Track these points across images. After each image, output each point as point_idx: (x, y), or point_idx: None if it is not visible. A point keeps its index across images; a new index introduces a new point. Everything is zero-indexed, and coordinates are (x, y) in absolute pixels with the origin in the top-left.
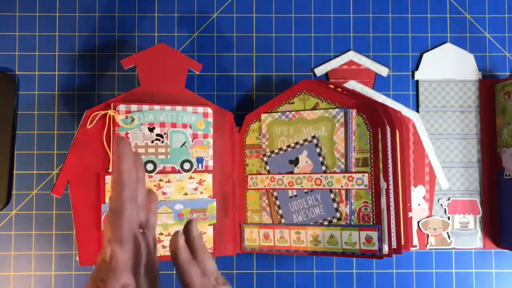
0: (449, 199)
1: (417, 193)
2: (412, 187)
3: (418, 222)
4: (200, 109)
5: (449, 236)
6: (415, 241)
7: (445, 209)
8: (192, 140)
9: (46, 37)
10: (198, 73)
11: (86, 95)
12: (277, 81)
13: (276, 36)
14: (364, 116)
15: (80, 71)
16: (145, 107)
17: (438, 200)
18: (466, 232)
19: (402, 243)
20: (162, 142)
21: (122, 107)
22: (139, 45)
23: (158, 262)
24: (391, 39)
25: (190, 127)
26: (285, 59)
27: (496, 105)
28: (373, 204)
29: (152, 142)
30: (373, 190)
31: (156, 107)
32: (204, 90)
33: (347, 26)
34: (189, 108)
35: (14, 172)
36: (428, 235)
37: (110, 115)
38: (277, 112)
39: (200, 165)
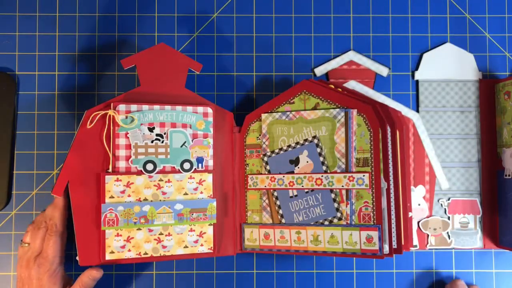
0: (449, 199)
1: (417, 193)
2: (412, 187)
3: (418, 222)
4: (200, 109)
5: (449, 236)
6: (415, 241)
7: (445, 209)
8: (192, 140)
9: (46, 37)
10: (198, 73)
11: (86, 95)
12: (277, 81)
13: (276, 36)
14: (364, 116)
15: (80, 71)
16: (145, 107)
17: (438, 200)
18: (466, 232)
19: (403, 243)
20: (162, 142)
21: (122, 107)
22: (139, 45)
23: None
24: (391, 39)
25: (190, 127)
26: (285, 59)
27: (496, 105)
28: (374, 204)
29: (152, 142)
30: (373, 190)
31: (156, 107)
32: (204, 90)
33: (347, 26)
34: (189, 108)
35: (14, 172)
36: (428, 235)
37: (110, 115)
38: (277, 112)
39: (200, 165)
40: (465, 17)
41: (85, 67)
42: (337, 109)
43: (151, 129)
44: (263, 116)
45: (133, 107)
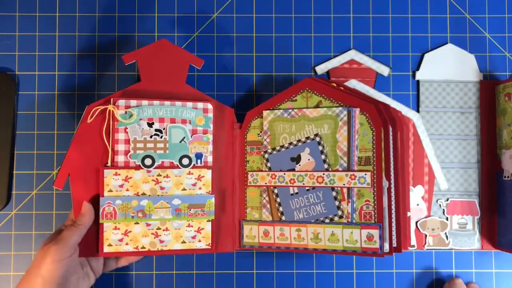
0: (447, 200)
1: (416, 193)
2: (411, 187)
3: (417, 222)
4: (200, 105)
5: (447, 237)
6: (413, 241)
7: (443, 209)
8: (191, 136)
9: (46, 37)
10: (199, 68)
11: (86, 95)
12: (278, 81)
13: (276, 36)
14: (367, 115)
15: (80, 71)
16: (145, 102)
17: (436, 201)
18: (464, 233)
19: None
20: (161, 137)
21: (121, 102)
22: (139, 45)
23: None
24: (391, 39)
25: (190, 123)
26: (285, 59)
27: (496, 107)
28: (375, 202)
29: (151, 137)
30: (375, 189)
31: (156, 102)
32: (204, 90)
33: (347, 26)
34: (189, 104)
35: (14, 172)
36: (426, 235)
37: (109, 110)
38: (279, 109)
39: (199, 160)
40: (465, 17)
41: (85, 67)
42: (340, 108)
43: (150, 124)
44: (265, 113)
45: (133, 102)
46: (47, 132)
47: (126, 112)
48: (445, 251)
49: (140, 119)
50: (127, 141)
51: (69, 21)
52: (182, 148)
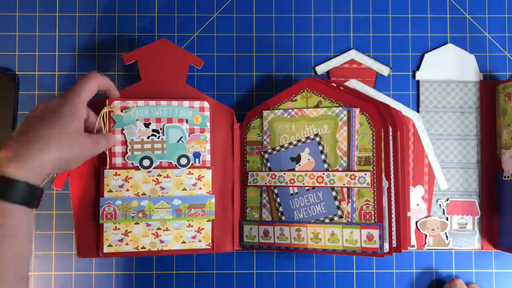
0: (447, 200)
1: (416, 193)
2: (411, 187)
3: (417, 222)
4: (196, 103)
5: (447, 237)
6: (413, 241)
7: (443, 209)
8: (189, 135)
9: (46, 37)
10: (199, 68)
11: None
12: (277, 81)
13: (276, 36)
14: (367, 115)
15: (80, 71)
16: (141, 102)
17: (436, 201)
18: (464, 233)
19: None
20: (158, 137)
21: (117, 103)
22: (139, 45)
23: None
24: (391, 39)
25: (187, 122)
26: (285, 59)
27: (496, 107)
28: (375, 202)
29: (148, 137)
30: (375, 189)
31: (152, 102)
32: (204, 90)
33: (347, 26)
34: (185, 103)
35: None
36: (426, 235)
37: (106, 111)
38: (279, 109)
39: (197, 160)
40: (465, 17)
41: (85, 67)
42: (340, 108)
43: (147, 125)
44: (265, 113)
45: (129, 103)
46: None
47: (122, 111)
48: (445, 251)
49: (137, 120)
50: (124, 143)
51: (69, 21)
52: (179, 147)
